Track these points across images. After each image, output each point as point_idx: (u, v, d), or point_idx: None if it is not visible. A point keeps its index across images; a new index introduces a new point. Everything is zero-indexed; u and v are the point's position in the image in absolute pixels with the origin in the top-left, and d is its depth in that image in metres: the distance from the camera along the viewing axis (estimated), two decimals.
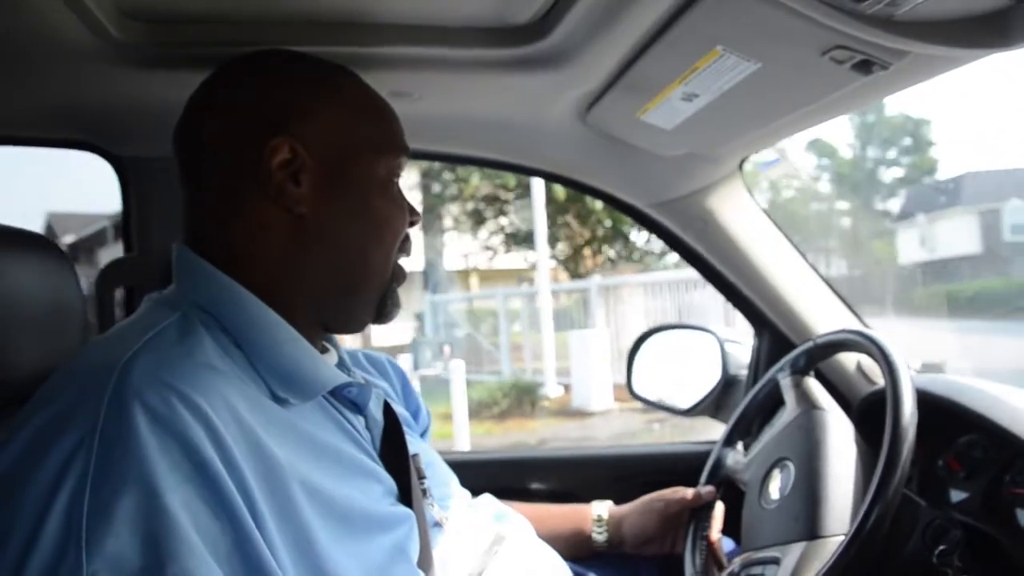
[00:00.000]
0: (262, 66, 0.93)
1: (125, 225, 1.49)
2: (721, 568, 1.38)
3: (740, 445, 1.44)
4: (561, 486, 1.73)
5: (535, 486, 1.73)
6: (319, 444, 0.83)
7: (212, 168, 0.89)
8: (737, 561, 1.23)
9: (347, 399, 0.93)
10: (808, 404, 1.30)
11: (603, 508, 1.43)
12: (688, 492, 1.41)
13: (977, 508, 1.16)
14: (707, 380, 1.79)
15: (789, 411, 1.33)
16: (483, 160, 1.60)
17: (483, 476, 1.67)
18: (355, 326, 0.97)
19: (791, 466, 1.23)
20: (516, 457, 1.91)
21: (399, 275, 0.98)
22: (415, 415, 1.22)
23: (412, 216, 0.99)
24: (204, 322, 0.82)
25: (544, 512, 1.43)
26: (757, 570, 1.19)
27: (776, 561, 1.14)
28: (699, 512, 1.39)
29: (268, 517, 0.72)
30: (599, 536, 1.40)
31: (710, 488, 1.41)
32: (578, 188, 1.64)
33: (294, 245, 0.89)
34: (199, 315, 0.83)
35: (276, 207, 0.88)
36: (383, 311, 0.96)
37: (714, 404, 1.78)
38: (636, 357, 1.87)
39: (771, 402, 1.44)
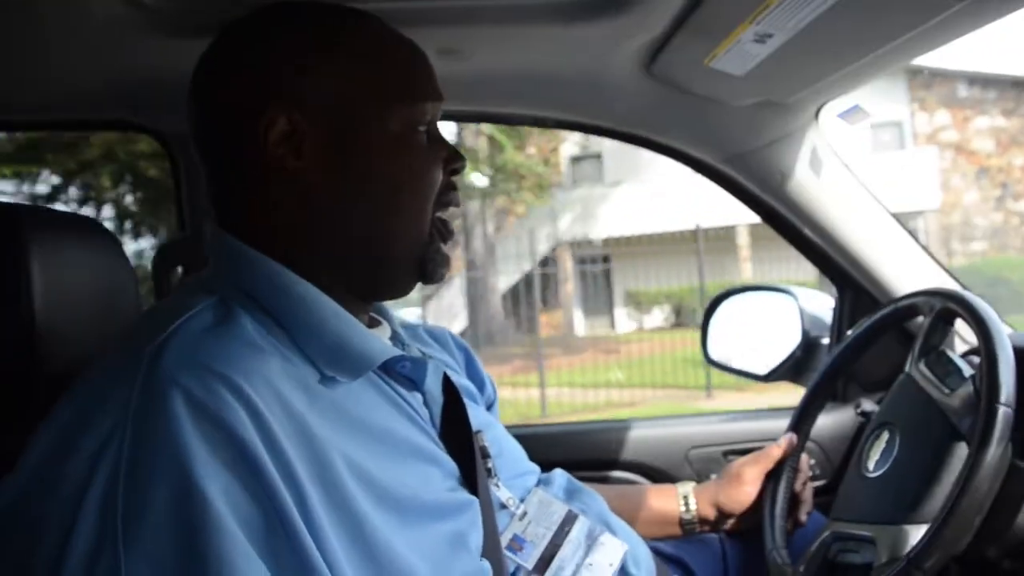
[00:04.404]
0: (257, 27, 0.85)
1: (178, 205, 1.46)
2: (798, 525, 1.32)
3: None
4: (637, 457, 1.68)
5: (610, 458, 1.68)
6: (371, 426, 0.79)
7: (218, 143, 0.85)
8: (828, 531, 1.16)
9: (401, 375, 0.87)
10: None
11: (688, 487, 1.36)
12: (767, 451, 1.34)
13: None
14: (786, 343, 1.71)
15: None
16: (541, 119, 1.52)
17: (555, 449, 1.63)
18: (395, 293, 0.92)
19: (896, 434, 1.15)
20: (590, 427, 1.85)
21: (443, 231, 0.90)
22: (480, 388, 1.17)
23: (453, 163, 0.90)
24: (242, 304, 0.78)
25: (625, 493, 1.38)
26: (852, 546, 1.12)
27: (871, 541, 1.07)
28: (779, 468, 1.32)
29: (316, 502, 0.68)
30: (687, 516, 1.33)
31: (789, 436, 1.34)
32: (643, 144, 1.55)
33: (308, 219, 0.83)
34: (237, 296, 0.79)
35: (282, 182, 0.82)
36: (426, 272, 0.89)
37: (793, 368, 1.70)
38: (711, 321, 1.80)
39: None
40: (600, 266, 16.48)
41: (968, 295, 1.14)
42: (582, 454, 1.66)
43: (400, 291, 0.91)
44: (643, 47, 1.18)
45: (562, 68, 1.29)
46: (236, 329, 0.74)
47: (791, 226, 1.57)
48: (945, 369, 1.14)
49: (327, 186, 0.83)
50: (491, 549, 0.87)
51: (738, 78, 1.19)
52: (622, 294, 16.92)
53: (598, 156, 18.47)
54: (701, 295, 11.18)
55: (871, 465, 1.15)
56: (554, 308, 16.66)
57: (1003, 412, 0.97)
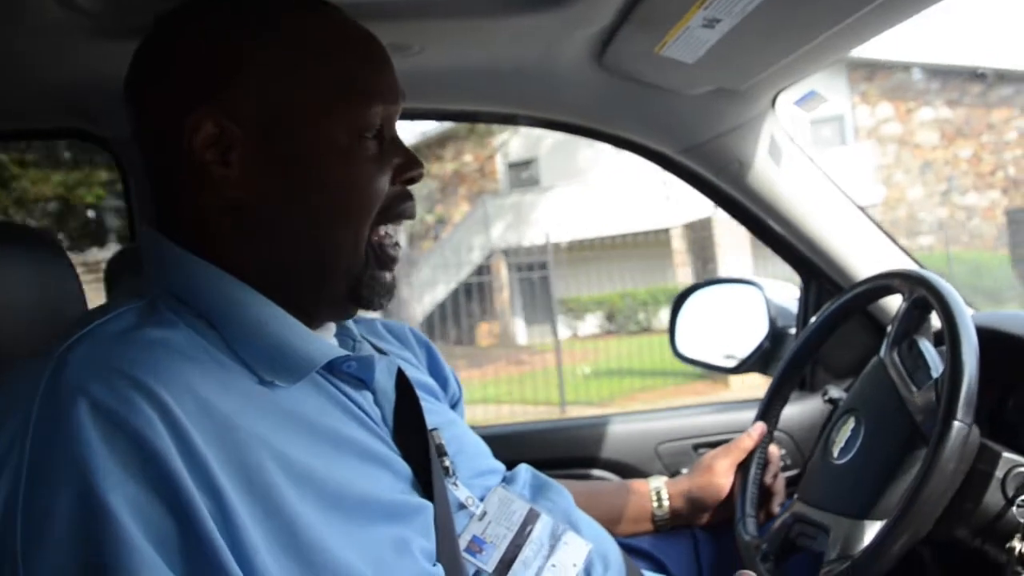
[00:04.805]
0: (183, 23, 0.79)
1: (129, 213, 1.43)
2: (770, 516, 1.30)
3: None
4: (607, 453, 1.66)
5: (580, 455, 1.66)
6: (315, 429, 0.75)
7: (149, 146, 0.81)
8: (789, 511, 1.15)
9: (348, 374, 0.84)
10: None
11: (659, 481, 1.34)
12: (737, 442, 1.32)
13: None
14: (754, 335, 1.69)
15: None
16: (496, 115, 1.51)
17: (523, 447, 1.62)
18: (331, 316, 0.87)
19: (862, 423, 1.13)
20: (558, 425, 1.84)
21: (380, 256, 0.83)
22: (443, 385, 1.13)
23: (408, 172, 0.84)
24: (173, 307, 0.75)
25: (596, 490, 1.36)
26: (809, 531, 1.11)
27: (826, 530, 1.05)
28: (749, 458, 1.31)
29: (241, 511, 0.65)
30: (659, 511, 1.32)
31: (759, 426, 1.32)
32: (599, 137, 1.53)
33: (238, 228, 0.78)
34: (167, 300, 0.75)
35: (209, 188, 0.77)
36: (360, 297, 0.83)
37: (762, 360, 1.69)
38: (679, 316, 1.78)
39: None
40: (537, 273, 16.28)
41: (945, 289, 1.09)
42: (551, 452, 1.64)
43: (336, 314, 0.87)
44: (593, 37, 1.17)
45: (514, 62, 1.27)
46: (158, 333, 0.71)
47: (752, 215, 1.56)
48: (915, 363, 1.11)
49: (259, 197, 0.77)
50: (447, 552, 0.83)
51: (690, 66, 1.18)
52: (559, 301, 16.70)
53: (534, 161, 18.09)
54: (552, 311, 11.31)
55: (836, 452, 1.13)
56: (491, 318, 16.35)
57: (958, 428, 0.94)
